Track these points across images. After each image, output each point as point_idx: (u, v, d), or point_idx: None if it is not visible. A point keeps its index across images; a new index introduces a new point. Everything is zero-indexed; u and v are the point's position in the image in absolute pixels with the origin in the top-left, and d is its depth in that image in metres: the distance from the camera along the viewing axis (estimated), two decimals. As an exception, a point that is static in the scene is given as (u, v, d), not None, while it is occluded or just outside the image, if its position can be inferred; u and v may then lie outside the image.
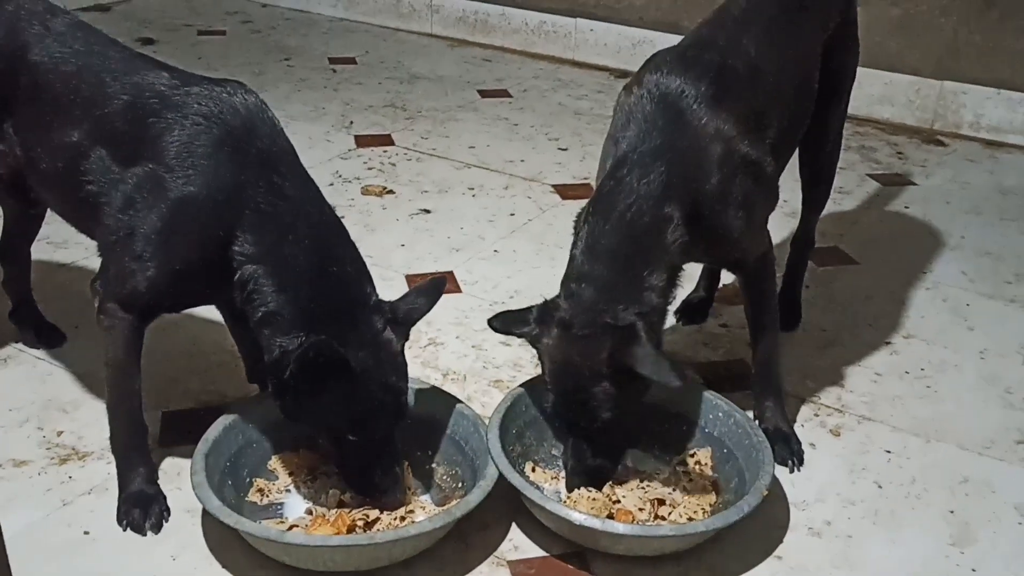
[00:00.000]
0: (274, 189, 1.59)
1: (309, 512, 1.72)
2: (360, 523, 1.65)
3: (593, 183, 3.16)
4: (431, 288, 1.71)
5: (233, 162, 1.59)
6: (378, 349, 1.60)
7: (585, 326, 1.60)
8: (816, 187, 2.28)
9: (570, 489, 1.73)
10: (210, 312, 2.07)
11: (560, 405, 1.68)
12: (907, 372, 2.24)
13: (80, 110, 1.68)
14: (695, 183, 1.67)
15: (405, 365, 1.66)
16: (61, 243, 2.53)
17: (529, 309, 1.69)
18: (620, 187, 1.65)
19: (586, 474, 1.72)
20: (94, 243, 1.74)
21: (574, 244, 1.69)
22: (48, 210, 2.04)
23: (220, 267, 1.59)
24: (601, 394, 1.62)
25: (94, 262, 1.78)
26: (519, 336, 1.71)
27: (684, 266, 1.74)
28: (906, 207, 3.12)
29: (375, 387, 1.60)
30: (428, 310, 1.69)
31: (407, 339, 1.67)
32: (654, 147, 1.66)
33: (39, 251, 2.32)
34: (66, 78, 1.71)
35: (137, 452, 1.75)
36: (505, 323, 1.72)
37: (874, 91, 3.77)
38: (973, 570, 1.68)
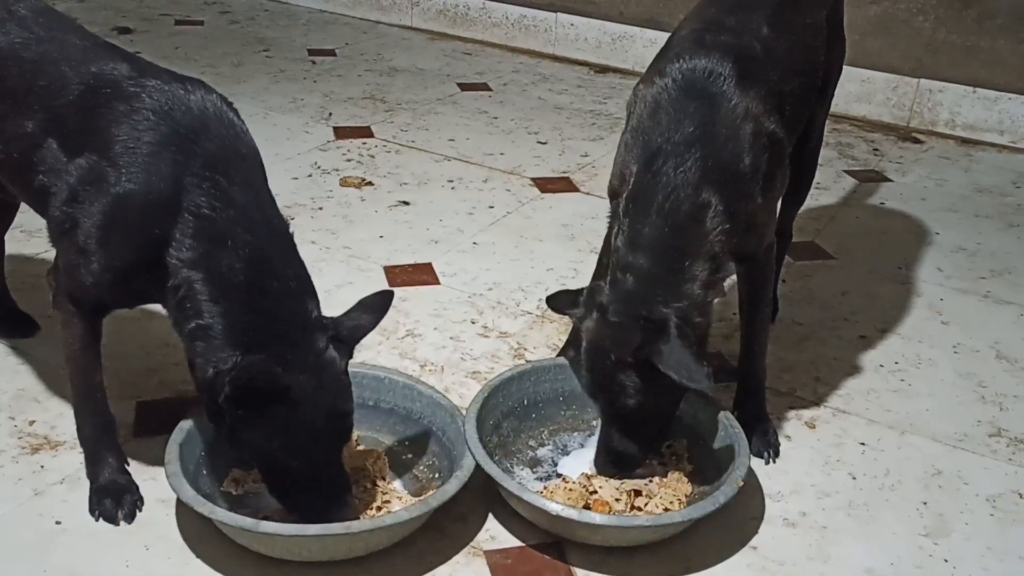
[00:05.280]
0: (218, 193, 1.51)
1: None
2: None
3: (572, 176, 3.18)
4: (378, 303, 1.64)
5: (176, 162, 1.51)
6: (321, 371, 1.51)
7: (619, 314, 1.61)
8: (799, 181, 2.27)
9: (598, 470, 1.76)
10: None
11: (590, 386, 1.72)
12: (882, 366, 2.26)
13: (36, 99, 1.63)
14: (730, 166, 1.66)
15: (349, 385, 1.58)
16: (35, 231, 2.50)
17: (580, 291, 1.72)
18: (657, 179, 1.64)
19: (609, 458, 1.74)
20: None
21: (616, 235, 1.68)
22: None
23: (158, 269, 1.53)
24: (626, 382, 1.63)
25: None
26: (569, 315, 1.75)
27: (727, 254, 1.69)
28: (882, 203, 3.15)
29: (318, 413, 1.51)
30: (373, 327, 1.61)
31: (351, 357, 1.59)
32: (687, 134, 1.65)
33: (12, 240, 2.29)
34: (25, 64, 1.66)
35: (104, 443, 1.73)
36: (559, 303, 1.76)
37: (852, 88, 3.80)
38: (946, 561, 1.70)
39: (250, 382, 1.44)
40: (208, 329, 1.49)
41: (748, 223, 1.72)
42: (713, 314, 1.69)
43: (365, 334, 1.61)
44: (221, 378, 1.46)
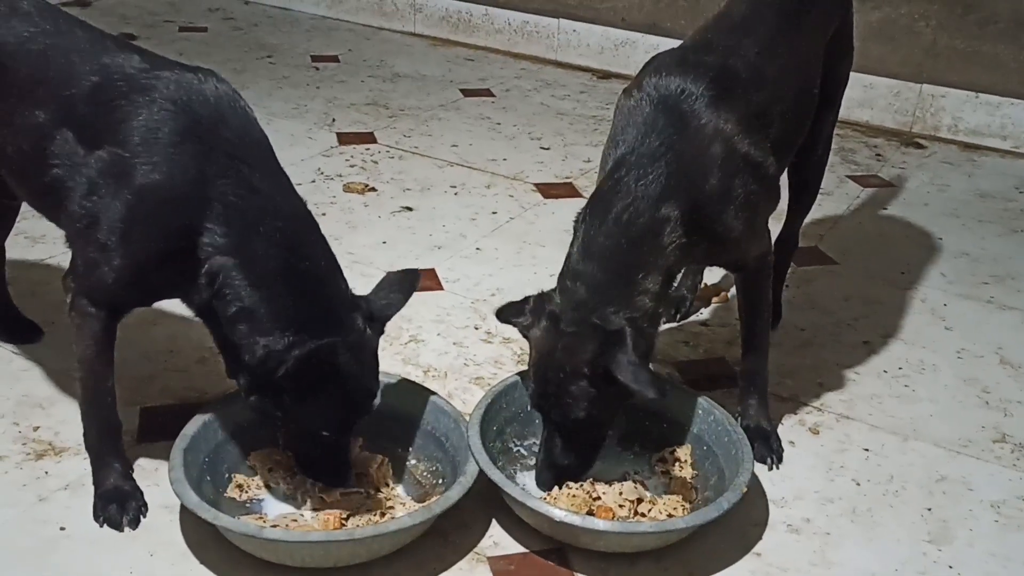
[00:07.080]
0: (243, 181, 1.55)
1: (293, 511, 1.70)
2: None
3: (575, 182, 3.18)
4: (405, 281, 1.70)
5: (200, 152, 1.55)
6: (361, 351, 1.60)
7: (572, 323, 1.60)
8: (804, 191, 2.28)
9: (538, 483, 1.74)
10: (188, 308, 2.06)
11: (538, 397, 1.68)
12: (885, 371, 2.26)
13: (46, 90, 1.64)
14: (695, 183, 1.67)
15: (378, 363, 1.66)
16: (39, 238, 2.51)
17: (527, 299, 1.70)
18: (618, 188, 1.65)
19: (554, 470, 1.71)
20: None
21: (572, 242, 1.69)
22: (24, 204, 2.03)
23: (187, 259, 1.55)
24: (578, 392, 1.61)
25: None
26: (514, 325, 1.72)
27: (682, 268, 1.73)
28: (885, 209, 3.15)
29: (356, 391, 1.60)
30: (403, 305, 1.68)
31: (382, 334, 1.67)
32: (653, 148, 1.66)
33: (15, 246, 2.30)
34: (32, 58, 1.66)
35: (111, 449, 1.73)
36: (505, 313, 1.74)
37: (854, 94, 3.79)
38: (950, 567, 1.70)
39: (315, 363, 1.50)
40: (252, 312, 1.54)
41: (722, 240, 1.73)
42: (660, 325, 1.69)
43: (395, 312, 1.67)
44: (274, 357, 1.52)
